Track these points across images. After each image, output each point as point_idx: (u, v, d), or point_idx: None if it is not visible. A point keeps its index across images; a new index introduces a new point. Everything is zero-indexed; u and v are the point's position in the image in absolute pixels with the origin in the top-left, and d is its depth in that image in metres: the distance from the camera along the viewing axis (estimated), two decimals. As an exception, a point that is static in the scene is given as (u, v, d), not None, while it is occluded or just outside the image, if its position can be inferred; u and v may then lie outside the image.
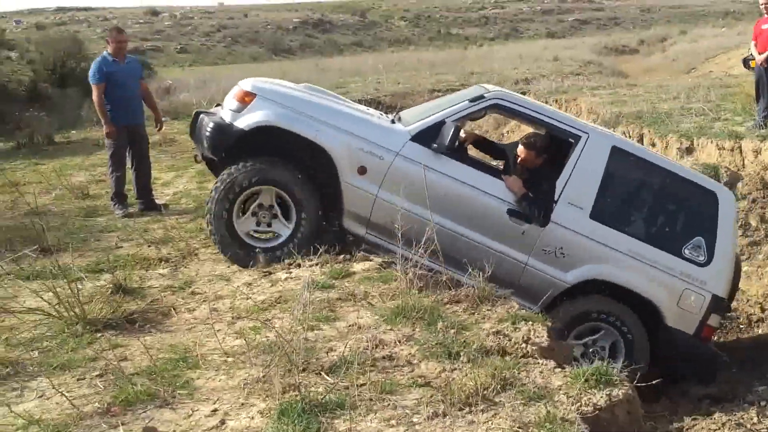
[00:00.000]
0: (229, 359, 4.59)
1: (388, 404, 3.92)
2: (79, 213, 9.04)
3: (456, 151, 6.95)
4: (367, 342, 4.68)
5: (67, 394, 4.06)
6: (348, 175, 6.76)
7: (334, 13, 76.49)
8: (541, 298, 6.84)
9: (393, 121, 7.20)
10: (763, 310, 8.88)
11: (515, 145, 7.35)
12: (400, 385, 4.15)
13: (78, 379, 4.39)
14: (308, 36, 68.13)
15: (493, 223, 6.78)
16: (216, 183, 6.88)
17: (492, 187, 6.85)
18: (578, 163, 6.98)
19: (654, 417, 6.72)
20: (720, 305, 7.10)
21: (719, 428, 6.27)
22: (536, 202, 6.77)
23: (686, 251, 7.03)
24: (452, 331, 4.78)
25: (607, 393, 4.04)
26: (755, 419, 6.44)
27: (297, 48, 64.01)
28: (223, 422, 3.86)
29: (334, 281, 5.94)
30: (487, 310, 5.27)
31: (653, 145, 12.81)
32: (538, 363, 4.42)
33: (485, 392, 3.96)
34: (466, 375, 4.12)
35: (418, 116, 7.27)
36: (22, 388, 4.30)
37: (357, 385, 4.07)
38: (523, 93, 21.96)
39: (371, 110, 7.90)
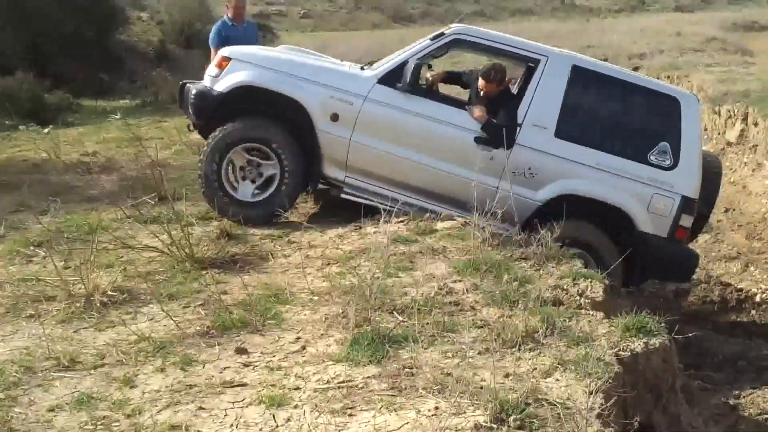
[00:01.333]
0: (315, 297, 5.17)
1: (448, 340, 4.42)
2: (195, 167, 9.78)
3: (424, 89, 7.38)
4: (438, 289, 5.20)
5: (173, 318, 4.72)
6: (322, 122, 7.15)
7: (459, -19, 76.22)
8: (516, 220, 6.88)
9: (363, 68, 7.57)
10: None
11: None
12: (461, 325, 4.64)
13: (183, 307, 5.04)
14: (430, 3, 68.02)
15: (462, 153, 7.07)
16: (204, 146, 7.40)
17: (458, 118, 7.18)
18: (539, 84, 7.24)
19: (717, 384, 7.06)
20: (690, 205, 7.21)
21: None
22: (500, 127, 7.00)
23: (652, 157, 7.19)
24: (515, 283, 5.25)
25: (645, 341, 4.46)
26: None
27: (418, 15, 64.20)
28: (304, 347, 4.44)
29: (417, 237, 6.44)
30: (552, 267, 5.70)
31: (755, 124, 12.82)
32: (589, 314, 4.85)
33: (535, 335, 4.43)
34: (521, 320, 4.59)
35: (385, 61, 7.59)
36: (135, 312, 4.98)
37: (423, 324, 4.59)
38: (636, 68, 21.99)
39: (346, 62, 8.22)
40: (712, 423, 6.12)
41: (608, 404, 3.69)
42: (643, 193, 7.17)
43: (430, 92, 7.51)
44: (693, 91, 16.44)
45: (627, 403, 4.24)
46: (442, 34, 7.44)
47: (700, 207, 7.40)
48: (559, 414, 3.56)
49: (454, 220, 6.85)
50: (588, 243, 7.18)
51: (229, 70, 7.31)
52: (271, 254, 6.24)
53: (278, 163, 7.22)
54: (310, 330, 4.68)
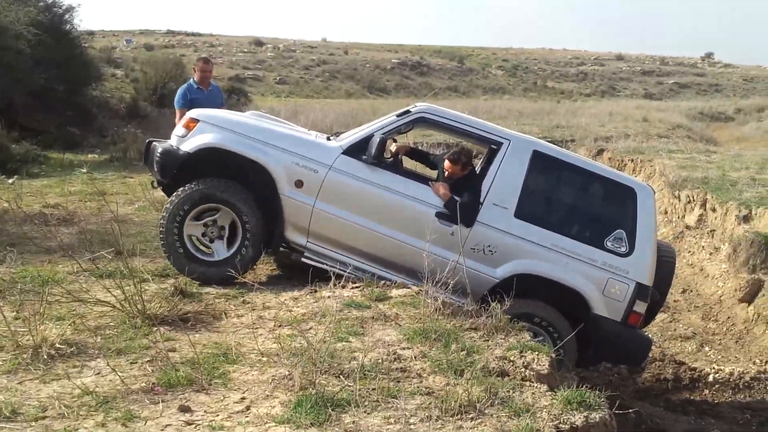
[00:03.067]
0: (264, 359, 5.17)
1: (391, 406, 4.44)
2: (156, 224, 9.81)
3: (388, 163, 7.58)
4: (386, 355, 5.23)
5: (119, 373, 4.70)
6: (286, 188, 7.30)
7: (433, 57, 77.49)
8: (474, 295, 7.01)
9: (329, 139, 7.77)
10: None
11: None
12: (406, 392, 4.66)
13: (131, 363, 5.02)
14: (405, 77, 69.23)
15: (423, 227, 7.16)
16: (166, 203, 7.46)
17: (420, 193, 7.37)
18: (501, 166, 7.47)
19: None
20: (644, 292, 7.41)
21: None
22: (462, 205, 7.23)
23: (608, 243, 7.41)
24: (463, 352, 5.29)
25: (585, 415, 4.50)
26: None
27: (392, 87, 65.20)
28: (248, 408, 4.43)
29: (370, 302, 6.49)
30: (501, 338, 5.76)
31: (713, 209, 13.11)
32: (533, 386, 4.90)
33: (477, 404, 4.47)
34: (465, 389, 4.62)
35: (352, 133, 7.84)
36: (82, 366, 4.95)
37: (367, 389, 4.61)
38: (602, 150, 22.42)
39: (312, 132, 8.42)
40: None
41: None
42: (598, 277, 7.36)
43: (394, 166, 7.68)
44: (655, 175, 16.88)
45: (567, 475, 4.28)
46: (408, 111, 7.68)
47: (653, 294, 7.56)
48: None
49: (409, 288, 6.91)
50: (545, 321, 7.34)
51: (196, 131, 7.44)
52: (225, 314, 6.25)
53: (240, 226, 7.28)
54: (255, 390, 4.68)
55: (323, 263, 7.29)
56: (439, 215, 7.29)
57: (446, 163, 7.66)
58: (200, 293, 6.74)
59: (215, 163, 7.41)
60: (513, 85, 73.40)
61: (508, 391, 4.74)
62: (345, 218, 7.27)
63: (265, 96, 50.43)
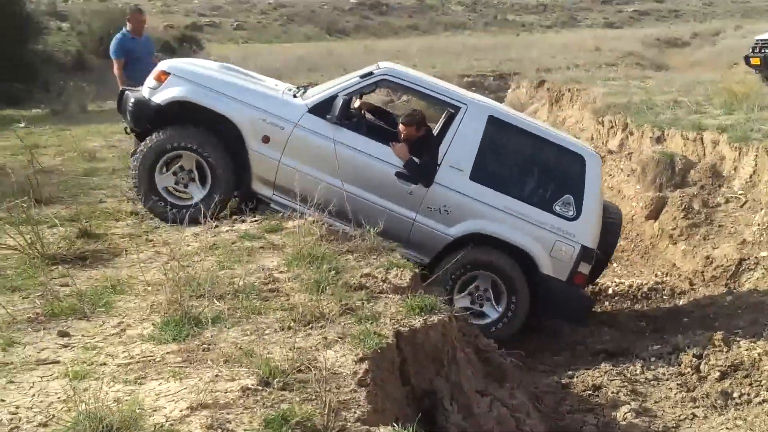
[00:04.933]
0: (149, 288, 5.60)
1: (252, 322, 4.90)
2: (80, 173, 10.17)
3: (353, 122, 7.96)
4: (263, 278, 5.67)
5: (5, 308, 5.09)
6: (254, 143, 7.71)
7: (392, -4, 76.94)
8: (430, 251, 7.79)
9: (295, 96, 8.11)
10: (691, 284, 9.66)
11: None
12: (270, 309, 5.11)
13: (23, 298, 5.39)
14: (364, 17, 68.70)
15: (383, 185, 7.70)
16: (140, 147, 7.81)
17: (381, 153, 7.78)
18: (458, 130, 7.89)
19: (555, 366, 7.66)
20: (588, 254, 7.95)
21: (601, 376, 7.16)
22: (420, 166, 7.70)
23: (557, 207, 7.92)
24: (333, 272, 5.74)
25: (425, 318, 4.99)
26: (638, 371, 7.31)
27: (351, 29, 64.73)
28: (123, 331, 4.84)
29: (264, 234, 6.92)
30: (373, 258, 6.22)
31: (631, 133, 13.62)
32: (389, 297, 5.37)
33: (329, 315, 4.93)
34: (326, 303, 5.09)
35: (317, 91, 8.21)
36: (-24, 302, 5.36)
37: (236, 308, 5.06)
38: (542, 81, 22.79)
39: (280, 85, 8.79)
40: (536, 399, 6.70)
41: (371, 369, 4.19)
42: (546, 238, 7.87)
43: (357, 126, 8.03)
44: (590, 104, 17.30)
45: (407, 370, 4.77)
46: (371, 73, 8.06)
47: (598, 255, 8.12)
48: (323, 377, 4.04)
49: (304, 220, 7.33)
50: (498, 266, 7.90)
51: (167, 84, 7.78)
52: (125, 251, 6.64)
53: (208, 168, 7.69)
54: (133, 316, 5.08)
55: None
56: (398, 175, 7.71)
57: (400, 127, 8.07)
58: (105, 234, 7.10)
59: (187, 116, 7.75)
60: (474, 20, 72.96)
61: (362, 303, 5.20)
62: (309, 174, 7.60)
63: (222, 43, 49.89)
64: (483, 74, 28.69)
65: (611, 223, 8.45)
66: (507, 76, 28.08)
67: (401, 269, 5.85)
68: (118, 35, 10.52)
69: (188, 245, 6.71)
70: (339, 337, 4.62)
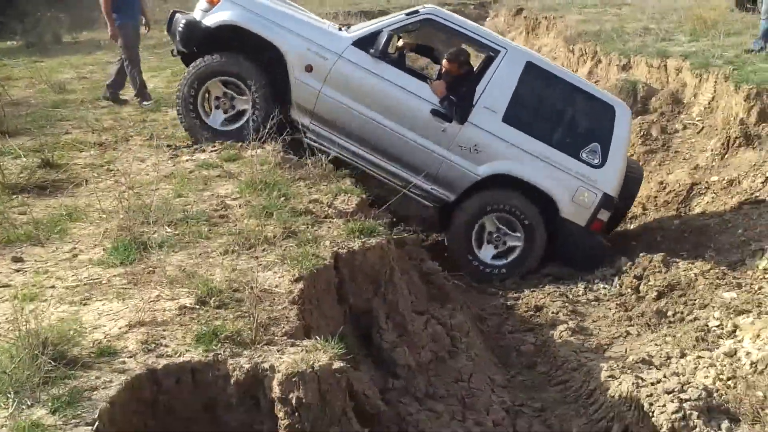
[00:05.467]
0: (104, 216, 5.83)
1: (199, 246, 5.16)
2: (49, 105, 10.33)
3: (394, 58, 8.21)
4: (216, 205, 5.92)
5: (-33, 235, 5.33)
6: (297, 71, 7.96)
7: None
8: (456, 188, 8.14)
9: (340, 30, 8.36)
10: (644, 209, 9.95)
11: None
12: (218, 234, 5.36)
13: (-18, 226, 5.66)
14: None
15: (418, 121, 7.99)
16: (185, 72, 8.12)
17: (419, 89, 8.04)
18: (496, 73, 8.13)
19: (503, 289, 7.97)
20: (609, 202, 8.24)
21: (545, 297, 7.47)
22: (456, 104, 7.95)
23: (583, 154, 8.18)
24: (282, 198, 5.99)
25: (363, 240, 5.26)
26: (581, 292, 7.63)
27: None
28: (75, 256, 5.08)
29: (223, 163, 7.14)
30: (324, 185, 6.46)
31: (600, 61, 13.78)
32: (333, 222, 5.63)
33: (273, 239, 5.19)
34: (272, 228, 5.35)
35: (363, 26, 8.48)
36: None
37: (185, 233, 5.31)
38: (520, 9, 22.79)
39: (326, 21, 9.05)
40: (479, 320, 7.03)
41: (306, 288, 4.47)
42: (570, 184, 8.14)
43: (398, 62, 8.28)
44: (561, 31, 17.38)
45: (345, 291, 5.06)
46: (416, 11, 8.26)
47: (618, 204, 8.41)
48: (259, 297, 4.31)
49: (264, 148, 7.54)
50: (519, 210, 8.19)
51: (219, 8, 8.03)
52: (86, 181, 6.85)
53: (251, 100, 7.94)
54: (87, 242, 5.31)
55: (322, 145, 7.94)
56: (433, 112, 7.97)
57: (444, 62, 8.34)
58: (67, 164, 7.30)
59: (234, 40, 7.99)
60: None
61: (306, 227, 5.46)
62: (347, 105, 7.94)
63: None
64: (464, 2, 28.58)
65: (632, 178, 8.70)
66: (487, 4, 28.00)
67: (348, 195, 6.11)
68: (104, -36, 10.57)
69: (147, 174, 6.93)
70: (279, 259, 4.88)
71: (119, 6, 10.23)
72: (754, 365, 5.60)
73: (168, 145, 7.97)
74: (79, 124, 9.16)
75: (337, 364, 3.68)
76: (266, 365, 3.71)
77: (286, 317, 4.20)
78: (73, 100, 10.70)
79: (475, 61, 8.96)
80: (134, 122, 9.31)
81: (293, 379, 3.57)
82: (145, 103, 10.31)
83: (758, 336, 5.97)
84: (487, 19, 25.85)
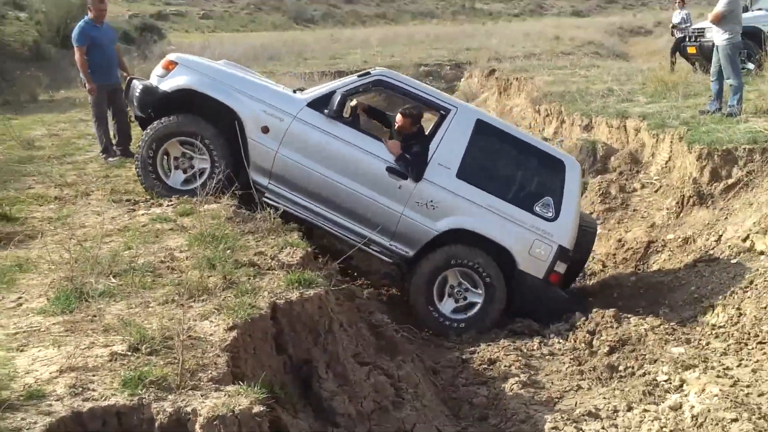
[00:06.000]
0: (53, 267, 5.90)
1: (141, 296, 5.22)
2: (15, 160, 10.43)
3: (348, 118, 8.37)
4: (163, 257, 6.00)
5: None
6: (253, 133, 8.11)
7: (360, -16, 77.00)
8: (415, 244, 8.27)
9: (295, 92, 8.58)
10: (603, 266, 10.10)
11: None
12: (161, 284, 5.44)
13: (-67, 279, 5.72)
14: (332, 6, 68.91)
15: (375, 178, 8.14)
16: (143, 135, 8.27)
17: (374, 148, 8.20)
18: (448, 130, 8.35)
19: (460, 343, 8.03)
20: (565, 254, 8.38)
21: (499, 351, 7.53)
22: (411, 162, 8.13)
23: (537, 208, 8.34)
24: (228, 251, 6.08)
25: (301, 292, 5.35)
26: (535, 347, 7.70)
27: (319, 17, 64.88)
28: (20, 304, 5.16)
29: (177, 217, 7.24)
30: (272, 239, 6.57)
31: (564, 121, 14.07)
32: (275, 273, 5.72)
33: (213, 289, 5.28)
34: (214, 279, 5.43)
35: (316, 88, 8.68)
36: None
37: (128, 284, 5.38)
38: (493, 71, 23.20)
39: (279, 84, 9.28)
40: (432, 372, 7.08)
41: (240, 337, 4.54)
42: (526, 237, 8.31)
43: (353, 122, 8.46)
44: (532, 91, 17.70)
45: (284, 340, 5.13)
46: (368, 73, 8.57)
47: (574, 257, 8.56)
48: (191, 344, 4.38)
49: (220, 203, 7.65)
50: (481, 266, 8.31)
51: (175, 73, 8.26)
52: (41, 234, 6.93)
53: (209, 159, 8.10)
54: (33, 292, 5.39)
55: (281, 204, 7.99)
56: (389, 170, 8.14)
57: (398, 117, 8.51)
58: (25, 218, 7.39)
59: (190, 105, 8.18)
60: (441, 8, 73.25)
61: (248, 278, 5.55)
62: (304, 164, 8.08)
63: (189, 32, 50.02)
64: (440, 63, 29.09)
65: (586, 231, 8.91)
66: (463, 66, 28.46)
67: (294, 248, 6.20)
68: (81, 23, 10.73)
69: (102, 228, 7.00)
70: (216, 308, 4.96)
71: (93, 61, 10.39)
72: (695, 418, 5.69)
73: (127, 200, 8.05)
74: (43, 179, 9.23)
75: (257, 408, 3.74)
76: (189, 409, 3.77)
77: (215, 364, 4.26)
78: (41, 156, 10.76)
79: (427, 123, 9.12)
80: (97, 177, 9.39)
81: (214, 423, 3.64)
82: (110, 159, 10.42)
83: (703, 390, 6.07)
84: (462, 79, 26.25)
